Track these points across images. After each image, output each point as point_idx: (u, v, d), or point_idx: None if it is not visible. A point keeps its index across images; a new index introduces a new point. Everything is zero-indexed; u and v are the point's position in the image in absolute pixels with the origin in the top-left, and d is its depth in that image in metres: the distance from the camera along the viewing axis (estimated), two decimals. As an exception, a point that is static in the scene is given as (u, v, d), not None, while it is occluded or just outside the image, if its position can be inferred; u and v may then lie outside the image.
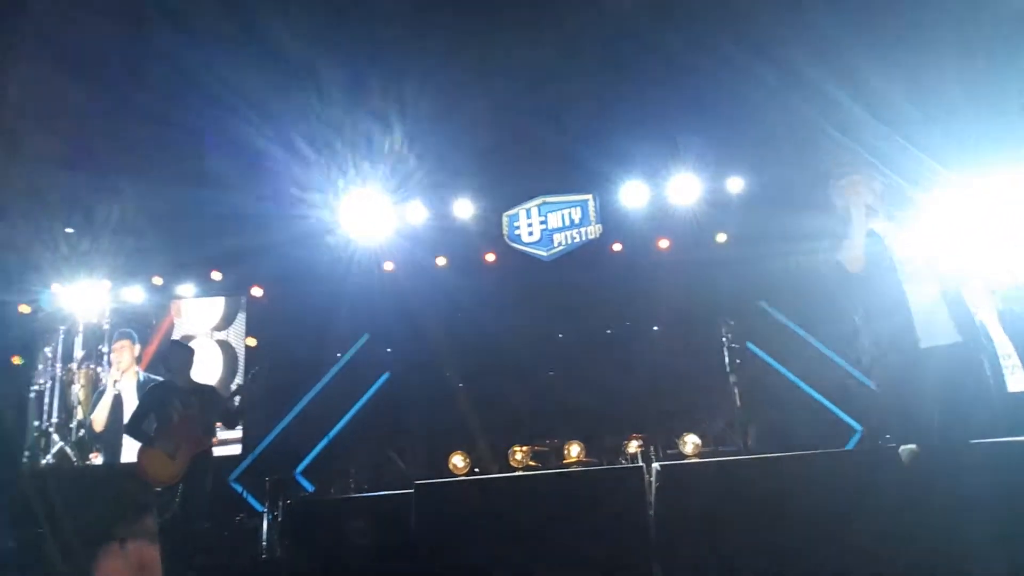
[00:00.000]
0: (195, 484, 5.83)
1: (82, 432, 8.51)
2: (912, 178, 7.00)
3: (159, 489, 5.87)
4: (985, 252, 5.29)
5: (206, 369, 8.67)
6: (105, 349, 9.05)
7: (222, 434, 8.40)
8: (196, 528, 5.88)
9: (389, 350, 9.20)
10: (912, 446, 3.47)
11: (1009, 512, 3.03)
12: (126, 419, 7.04)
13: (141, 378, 7.49)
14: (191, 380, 6.28)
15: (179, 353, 6.37)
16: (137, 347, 7.66)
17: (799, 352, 8.49)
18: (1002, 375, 5.60)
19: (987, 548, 2.97)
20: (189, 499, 5.82)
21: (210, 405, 6.16)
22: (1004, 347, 5.75)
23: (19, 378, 9.02)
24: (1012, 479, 3.08)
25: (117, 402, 7.89)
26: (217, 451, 6.96)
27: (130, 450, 7.14)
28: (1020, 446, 3.62)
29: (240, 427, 8.67)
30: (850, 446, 7.84)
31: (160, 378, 7.44)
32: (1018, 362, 5.73)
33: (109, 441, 8.04)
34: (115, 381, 7.47)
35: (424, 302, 8.95)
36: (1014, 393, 5.56)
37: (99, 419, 7.75)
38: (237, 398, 6.40)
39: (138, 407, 6.25)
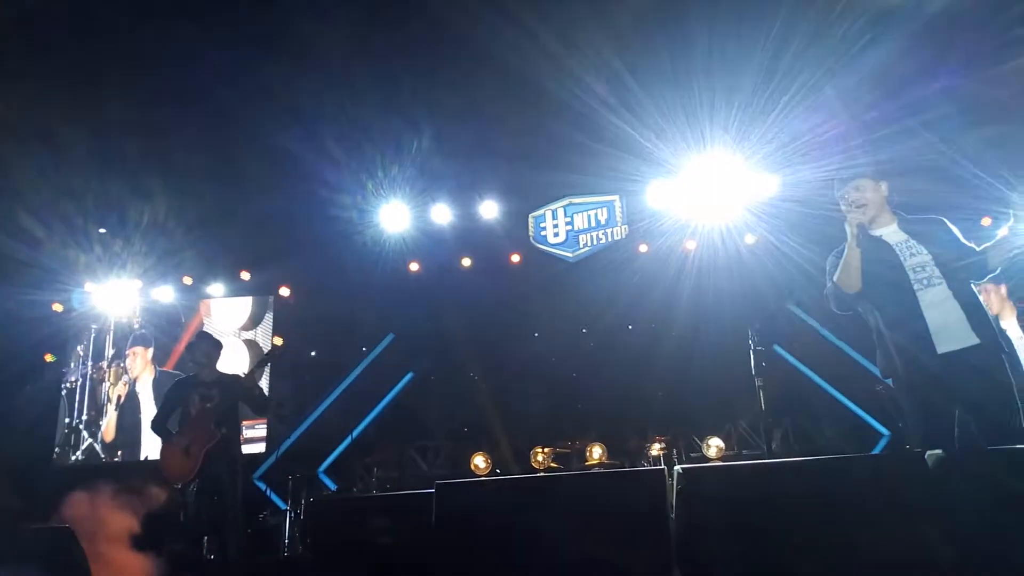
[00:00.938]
0: (210, 478, 5.66)
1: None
2: (951, 180, 6.89)
3: (178, 485, 5.79)
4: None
5: (233, 368, 8.76)
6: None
7: (248, 432, 8.49)
8: (220, 519, 5.69)
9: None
10: (939, 451, 3.39)
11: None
12: (143, 419, 7.02)
13: (156, 375, 7.53)
14: (215, 372, 6.15)
15: (204, 345, 6.23)
16: (151, 350, 7.72)
17: (827, 355, 8.36)
18: None
19: (1011, 554, 2.90)
20: (204, 494, 5.68)
21: (231, 395, 5.96)
22: (1025, 353, 5.59)
23: (51, 375, 9.23)
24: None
25: (128, 406, 7.95)
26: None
27: (149, 448, 7.18)
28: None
29: (266, 423, 8.76)
30: (877, 451, 7.72)
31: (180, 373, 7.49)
32: None
33: (127, 442, 8.06)
34: (119, 396, 7.53)
35: (449, 302, 8.98)
36: None
37: (108, 431, 7.85)
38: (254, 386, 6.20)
39: (162, 403, 6.22)
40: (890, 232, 3.81)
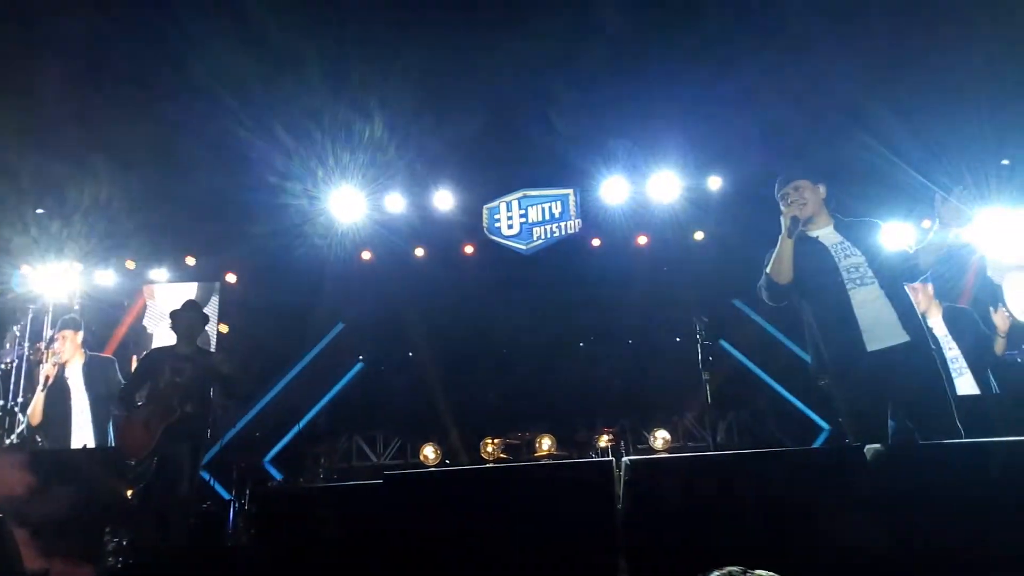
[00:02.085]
0: (168, 455, 5.37)
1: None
2: (889, 183, 7.09)
3: (133, 462, 5.43)
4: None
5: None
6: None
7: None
8: (172, 501, 5.36)
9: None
10: (878, 445, 3.49)
11: (961, 513, 3.04)
12: (74, 406, 6.74)
13: (87, 359, 7.22)
14: (193, 345, 5.84)
15: (186, 315, 5.87)
16: (80, 334, 7.37)
17: (771, 351, 8.56)
18: (951, 377, 5.63)
19: (944, 545, 3.00)
20: (163, 471, 5.38)
21: (203, 371, 5.65)
22: (950, 350, 5.83)
23: (-15, 357, 8.87)
24: (960, 480, 3.09)
25: (56, 392, 7.56)
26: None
27: (82, 438, 6.91)
28: (970, 447, 3.64)
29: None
30: (818, 444, 7.93)
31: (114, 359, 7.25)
32: (964, 364, 5.80)
33: (56, 432, 7.62)
34: (47, 376, 7.16)
35: (401, 292, 8.93)
36: (962, 396, 5.59)
37: (35, 414, 7.45)
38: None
39: (133, 374, 5.93)
40: (826, 234, 3.91)
